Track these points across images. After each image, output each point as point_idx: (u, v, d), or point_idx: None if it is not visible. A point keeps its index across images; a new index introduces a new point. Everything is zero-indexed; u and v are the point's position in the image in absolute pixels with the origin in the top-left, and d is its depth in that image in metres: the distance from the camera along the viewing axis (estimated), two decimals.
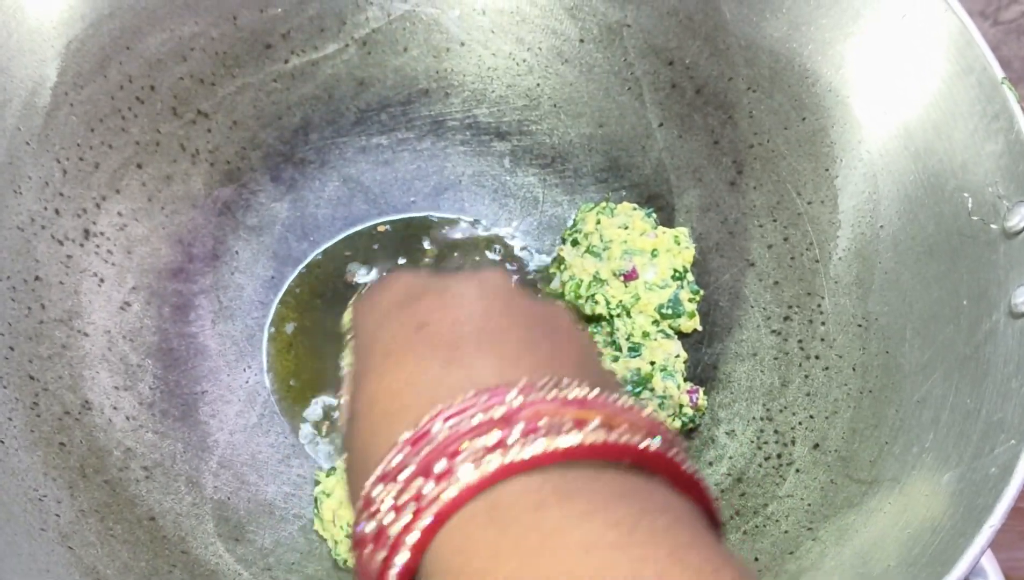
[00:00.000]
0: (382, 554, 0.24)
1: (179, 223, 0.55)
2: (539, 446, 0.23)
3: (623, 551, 0.22)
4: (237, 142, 0.58)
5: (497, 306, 0.29)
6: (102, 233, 0.52)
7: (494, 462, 0.23)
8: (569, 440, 0.24)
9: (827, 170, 0.53)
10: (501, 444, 0.24)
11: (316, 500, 0.48)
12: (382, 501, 0.24)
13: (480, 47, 0.61)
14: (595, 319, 0.55)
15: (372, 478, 0.25)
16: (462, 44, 0.61)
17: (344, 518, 0.47)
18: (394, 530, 0.24)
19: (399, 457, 0.25)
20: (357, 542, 0.25)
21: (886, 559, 0.37)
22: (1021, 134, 0.43)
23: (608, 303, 0.55)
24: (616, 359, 0.53)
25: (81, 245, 0.51)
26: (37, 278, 0.48)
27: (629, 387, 0.52)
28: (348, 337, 0.33)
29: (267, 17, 0.57)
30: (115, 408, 0.48)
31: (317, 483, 0.49)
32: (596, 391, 0.26)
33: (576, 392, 0.25)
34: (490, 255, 0.59)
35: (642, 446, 0.24)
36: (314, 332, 0.55)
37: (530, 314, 0.29)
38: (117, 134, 0.53)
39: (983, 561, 0.49)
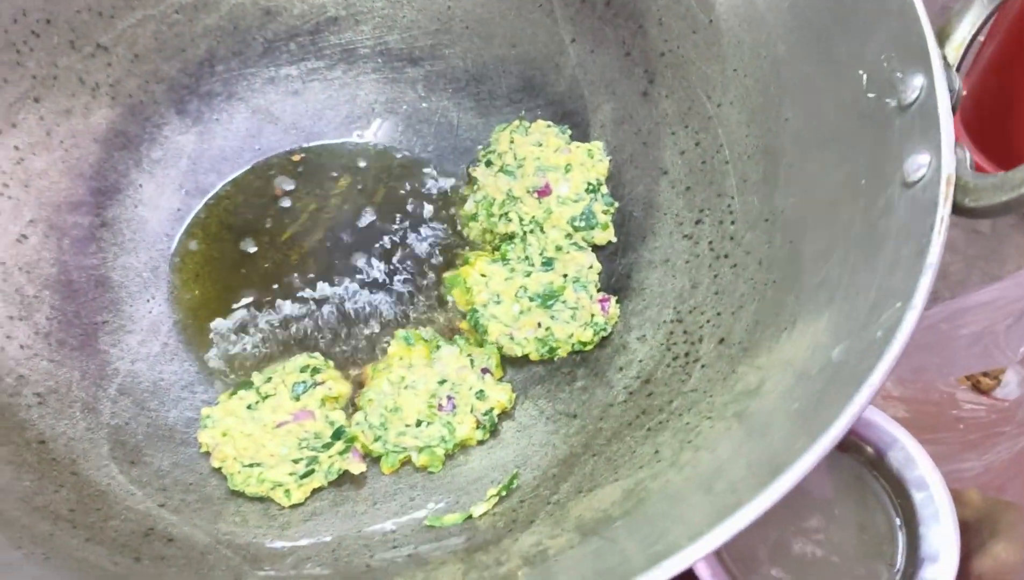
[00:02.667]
0: None
1: (79, 157, 0.54)
2: None
3: None
4: (139, 76, 0.56)
5: None
6: None
7: None
8: None
9: (735, 70, 0.51)
10: None
11: (202, 423, 0.48)
12: None
13: None
14: (508, 237, 0.54)
15: None
16: None
17: (237, 448, 0.46)
18: None
19: None
20: None
21: (775, 432, 0.36)
22: (912, 2, 0.41)
23: (521, 220, 0.54)
24: (529, 274, 0.52)
25: None
26: None
27: (540, 300, 0.51)
28: None
29: None
30: (8, 337, 0.47)
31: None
32: None
33: None
34: (403, 181, 0.58)
35: None
36: (222, 262, 0.54)
37: None
38: (12, 68, 0.52)
39: (925, 473, 0.48)
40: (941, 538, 0.45)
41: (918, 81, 0.41)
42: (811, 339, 0.40)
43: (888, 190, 0.40)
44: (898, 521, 0.48)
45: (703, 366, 0.45)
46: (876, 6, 0.43)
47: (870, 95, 0.43)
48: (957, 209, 0.38)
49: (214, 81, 0.58)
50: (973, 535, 0.50)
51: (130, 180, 0.55)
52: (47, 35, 0.54)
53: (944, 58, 0.41)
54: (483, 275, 0.53)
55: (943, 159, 0.38)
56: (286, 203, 0.57)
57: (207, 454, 0.47)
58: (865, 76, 0.43)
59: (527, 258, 0.53)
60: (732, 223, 0.49)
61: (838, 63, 0.45)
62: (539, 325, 0.50)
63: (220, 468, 0.47)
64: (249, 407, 0.48)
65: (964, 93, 0.63)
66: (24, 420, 0.45)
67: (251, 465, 0.46)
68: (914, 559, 0.46)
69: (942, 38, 0.44)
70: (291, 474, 0.46)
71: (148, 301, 0.52)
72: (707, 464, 0.38)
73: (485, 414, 0.48)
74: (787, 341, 0.41)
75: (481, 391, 0.49)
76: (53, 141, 0.53)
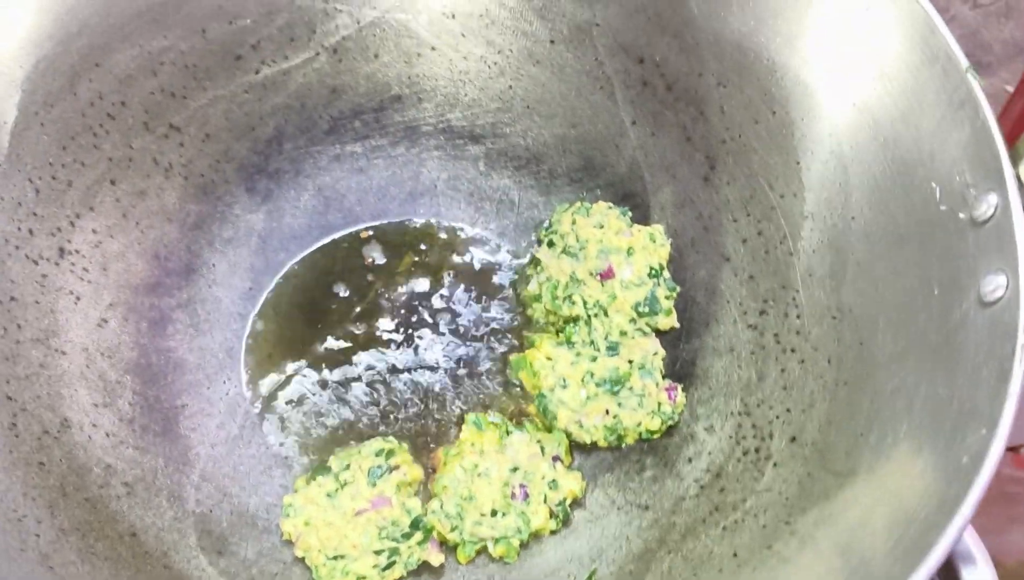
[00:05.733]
0: None
1: (154, 238, 0.55)
2: None
3: None
4: (210, 155, 0.58)
5: None
6: (77, 251, 0.52)
7: None
8: None
9: (798, 163, 0.53)
10: None
11: (284, 511, 0.49)
12: None
13: (451, 51, 0.61)
14: (572, 320, 0.55)
15: None
16: (433, 49, 0.61)
17: (321, 538, 0.47)
18: None
19: None
20: None
21: (863, 550, 0.38)
22: (987, 122, 0.43)
23: (585, 303, 0.55)
24: (594, 359, 0.53)
25: (56, 264, 0.51)
26: (12, 299, 0.48)
27: (607, 386, 0.52)
28: None
29: (236, 28, 0.57)
30: (95, 425, 0.48)
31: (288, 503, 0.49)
32: None
33: None
34: (466, 258, 0.59)
35: None
36: (292, 341, 0.55)
37: None
38: (89, 151, 0.53)
39: (971, 546, 0.49)
40: None
41: (992, 199, 0.42)
42: (890, 448, 0.41)
43: (963, 305, 0.42)
44: None
45: (775, 465, 0.46)
46: (948, 119, 0.45)
47: (943, 207, 0.44)
48: None
49: (282, 159, 0.59)
50: None
51: (203, 260, 0.56)
52: (122, 117, 0.55)
53: (1019, 178, 0.42)
54: (549, 358, 0.54)
55: (1022, 282, 0.39)
56: (353, 281, 0.58)
57: (289, 542, 0.49)
58: (938, 189, 0.45)
59: (592, 342, 0.54)
60: (798, 317, 0.51)
61: (908, 172, 0.46)
62: (607, 412, 0.52)
63: (304, 558, 0.48)
64: (328, 495, 0.49)
65: None
66: (115, 512, 0.46)
67: (335, 557, 0.47)
68: None
69: (1016, 157, 0.46)
70: (374, 566, 0.47)
71: (224, 382, 0.54)
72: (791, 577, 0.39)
73: (558, 504, 0.50)
74: (865, 446, 0.42)
75: (554, 481, 0.50)
76: (129, 223, 0.54)
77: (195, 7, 0.55)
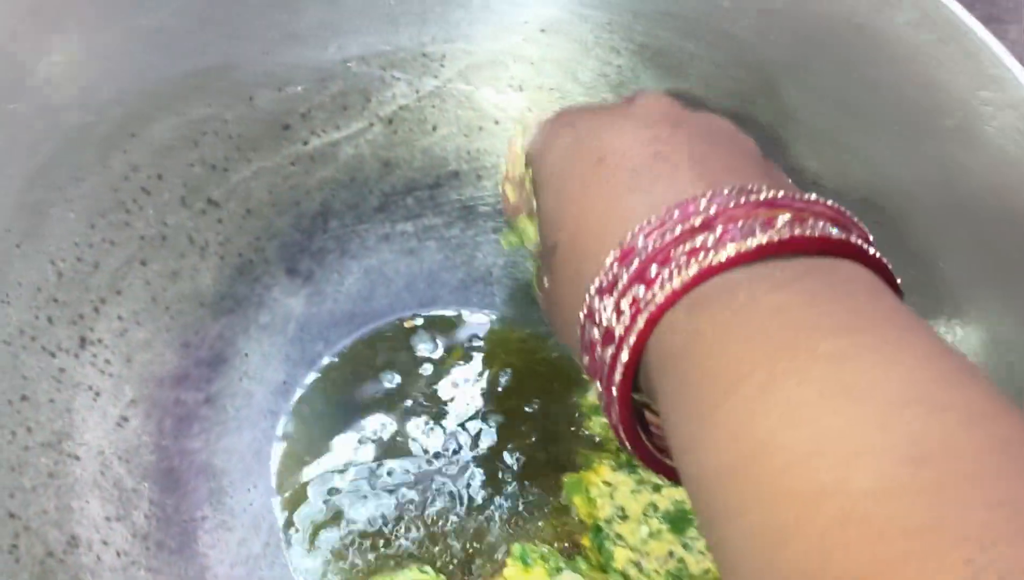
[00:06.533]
0: (610, 350, 0.29)
1: (184, 324, 0.51)
2: (736, 247, 0.26)
3: (809, 309, 0.25)
4: (250, 232, 0.53)
5: (664, 130, 0.32)
6: (100, 340, 0.47)
7: (698, 266, 0.27)
8: (763, 239, 0.26)
9: None
10: (703, 248, 0.27)
11: None
12: (604, 309, 0.29)
13: (515, 126, 0.56)
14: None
15: (591, 292, 0.30)
16: (496, 123, 0.56)
17: None
18: (619, 330, 0.28)
19: (612, 272, 0.29)
20: (585, 346, 0.30)
21: None
22: None
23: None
24: (659, 489, 0.48)
25: (76, 356, 0.47)
26: (24, 398, 0.44)
27: (671, 524, 0.47)
28: (528, 178, 0.38)
29: (286, 96, 0.53)
30: (105, 543, 0.44)
31: None
32: (781, 192, 0.28)
33: (763, 194, 0.28)
34: (522, 358, 0.54)
35: (829, 235, 0.27)
36: (326, 445, 0.51)
37: (697, 130, 0.32)
38: (120, 229, 0.49)
39: None
40: None
41: None
42: None
43: None
44: None
45: None
46: None
47: None
48: None
49: (327, 238, 0.55)
50: None
51: (236, 349, 0.52)
52: (158, 192, 0.51)
53: None
54: (607, 484, 0.49)
55: None
56: (396, 378, 0.53)
57: None
58: None
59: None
60: None
61: None
62: (671, 554, 0.46)
63: None
64: None
65: None
66: None
67: None
68: None
69: None
70: None
71: (249, 490, 0.49)
72: None
73: None
74: None
75: None
76: (159, 307, 0.50)
77: (243, 73, 0.51)
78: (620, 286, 0.28)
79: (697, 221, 0.27)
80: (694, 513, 0.46)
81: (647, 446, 0.32)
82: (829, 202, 0.29)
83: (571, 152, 0.34)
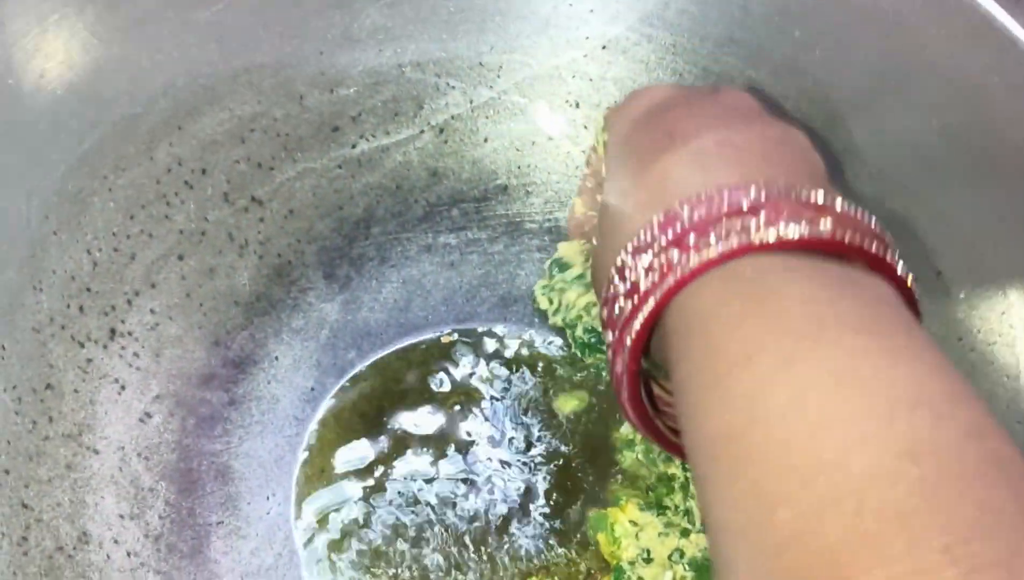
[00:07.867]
0: (631, 303, 0.30)
1: (217, 322, 0.50)
2: (776, 233, 0.27)
3: (836, 305, 0.26)
4: (291, 233, 0.52)
5: (738, 121, 0.33)
6: (130, 333, 0.47)
7: (738, 239, 0.27)
8: (804, 231, 0.27)
9: None
10: (744, 228, 0.28)
11: None
12: (635, 266, 0.30)
13: (569, 143, 0.54)
14: (667, 479, 0.48)
15: (628, 249, 0.30)
16: (549, 138, 0.54)
17: None
18: (644, 285, 0.29)
19: (651, 234, 0.30)
20: (608, 299, 0.31)
21: None
22: None
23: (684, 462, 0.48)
24: (687, 534, 0.46)
25: (105, 347, 0.46)
26: (48, 387, 0.44)
27: (697, 573, 0.45)
28: (601, 142, 0.39)
29: (337, 98, 0.52)
30: (116, 542, 0.43)
31: None
32: (828, 198, 0.29)
33: (813, 197, 0.29)
34: (560, 385, 0.52)
35: (868, 248, 0.28)
36: (350, 459, 0.49)
37: (769, 133, 0.32)
38: (160, 222, 0.49)
39: None
40: None
41: None
42: None
43: None
44: None
45: None
46: None
47: None
48: None
49: (368, 244, 0.54)
50: None
51: (267, 351, 0.51)
52: (201, 186, 0.50)
53: None
54: (633, 523, 0.47)
55: None
56: (428, 393, 0.52)
57: None
58: None
59: (687, 512, 0.47)
60: None
61: None
62: None
63: None
64: None
65: None
66: None
67: None
68: None
69: None
70: None
71: (268, 498, 0.48)
72: None
73: None
74: None
75: None
76: (192, 304, 0.49)
77: (296, 72, 0.50)
78: (656, 248, 0.29)
79: (744, 205, 0.28)
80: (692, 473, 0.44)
81: (652, 419, 0.33)
82: (874, 220, 0.29)
83: (644, 121, 0.35)
